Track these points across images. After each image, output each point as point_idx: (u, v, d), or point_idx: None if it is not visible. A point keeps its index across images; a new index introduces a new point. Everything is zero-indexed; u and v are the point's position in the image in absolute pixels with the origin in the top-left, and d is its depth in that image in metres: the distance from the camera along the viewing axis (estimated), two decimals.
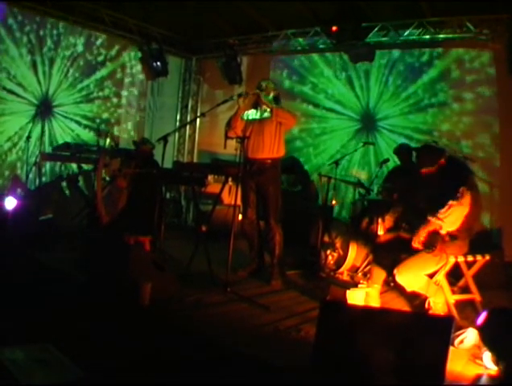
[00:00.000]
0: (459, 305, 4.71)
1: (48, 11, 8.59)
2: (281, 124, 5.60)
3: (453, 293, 4.76)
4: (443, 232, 4.46)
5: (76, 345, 3.48)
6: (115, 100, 10.25)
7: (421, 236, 4.46)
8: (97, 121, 9.71)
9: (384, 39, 8.41)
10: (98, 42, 9.80)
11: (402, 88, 8.66)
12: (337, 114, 9.41)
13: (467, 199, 4.41)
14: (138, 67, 10.58)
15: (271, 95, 5.72)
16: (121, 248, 5.03)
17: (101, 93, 9.96)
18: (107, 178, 7.53)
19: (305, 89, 9.79)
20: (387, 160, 7.54)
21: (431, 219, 4.44)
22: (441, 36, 7.86)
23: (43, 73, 9.01)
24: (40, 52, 8.93)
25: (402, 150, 7.27)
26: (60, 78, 9.23)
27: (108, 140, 9.38)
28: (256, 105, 5.71)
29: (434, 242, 4.42)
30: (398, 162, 7.42)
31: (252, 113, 5.75)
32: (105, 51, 9.95)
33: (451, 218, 4.41)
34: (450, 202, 4.40)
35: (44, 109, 9.04)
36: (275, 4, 8.49)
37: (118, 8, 9.12)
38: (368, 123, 9.03)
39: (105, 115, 10.07)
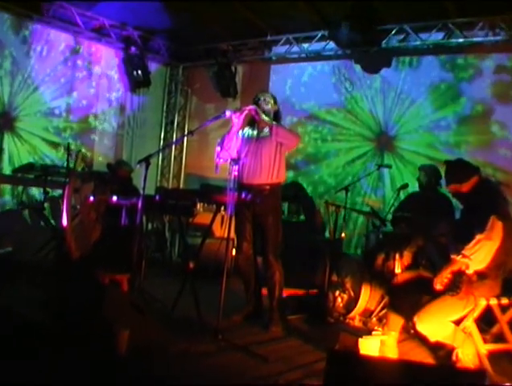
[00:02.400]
0: (492, 356, 4.65)
1: (7, 7, 8.71)
2: (281, 144, 5.66)
3: (485, 342, 4.71)
4: (469, 271, 4.43)
5: None
6: (88, 114, 10.29)
7: (444, 276, 4.44)
8: (67, 138, 9.73)
9: (402, 43, 8.53)
10: (68, 45, 9.85)
11: (425, 101, 8.72)
12: (347, 132, 9.49)
13: (497, 232, 4.39)
14: (116, 75, 10.66)
15: (271, 110, 5.79)
16: (94, 287, 5.04)
17: (71, 106, 10.00)
18: (78, 206, 7.55)
19: (310, 103, 9.88)
20: (406, 185, 7.59)
21: (456, 257, 4.42)
22: (470, 40, 7.94)
23: (2, 80, 9.06)
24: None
25: (430, 170, 7.27)
26: (23, 87, 9.27)
27: (79, 161, 9.40)
28: (253, 122, 5.77)
29: (458, 283, 4.40)
30: (418, 188, 7.46)
31: (248, 132, 5.82)
32: (75, 57, 10.00)
33: (479, 255, 4.39)
34: (477, 236, 4.38)
35: (3, 122, 9.07)
36: (275, 4, 8.58)
37: (92, 6, 9.24)
38: (383, 142, 9.10)
39: (77, 131, 10.10)
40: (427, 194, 7.19)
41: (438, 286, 4.46)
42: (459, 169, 4.84)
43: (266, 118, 5.64)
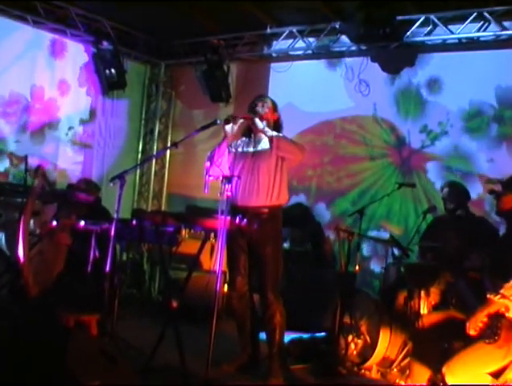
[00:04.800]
0: None
1: None
2: (283, 159, 5.70)
3: None
4: (510, 314, 4.37)
5: None
6: (51, 121, 10.26)
7: (479, 320, 4.39)
8: (24, 149, 9.69)
9: (428, 37, 8.57)
10: (26, 38, 9.77)
11: (456, 106, 8.70)
12: (362, 143, 9.52)
13: None
14: (84, 75, 10.67)
15: (270, 118, 5.83)
16: (56, 331, 5.03)
17: (30, 111, 9.97)
18: (37, 232, 7.54)
19: (317, 109, 9.91)
20: (434, 208, 7.60)
21: (493, 297, 4.37)
22: (510, 32, 7.92)
23: None
24: None
25: (458, 188, 7.28)
26: None
27: (39, 178, 9.39)
28: (249, 133, 5.80)
29: (496, 328, 4.37)
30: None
31: (243, 144, 5.85)
32: (35, 52, 9.96)
33: None
34: None
35: None
36: None
37: None
38: (405, 156, 9.11)
39: (36, 143, 10.07)
40: (457, 217, 7.19)
41: (471, 331, 4.44)
42: None
43: (264, 128, 5.67)
